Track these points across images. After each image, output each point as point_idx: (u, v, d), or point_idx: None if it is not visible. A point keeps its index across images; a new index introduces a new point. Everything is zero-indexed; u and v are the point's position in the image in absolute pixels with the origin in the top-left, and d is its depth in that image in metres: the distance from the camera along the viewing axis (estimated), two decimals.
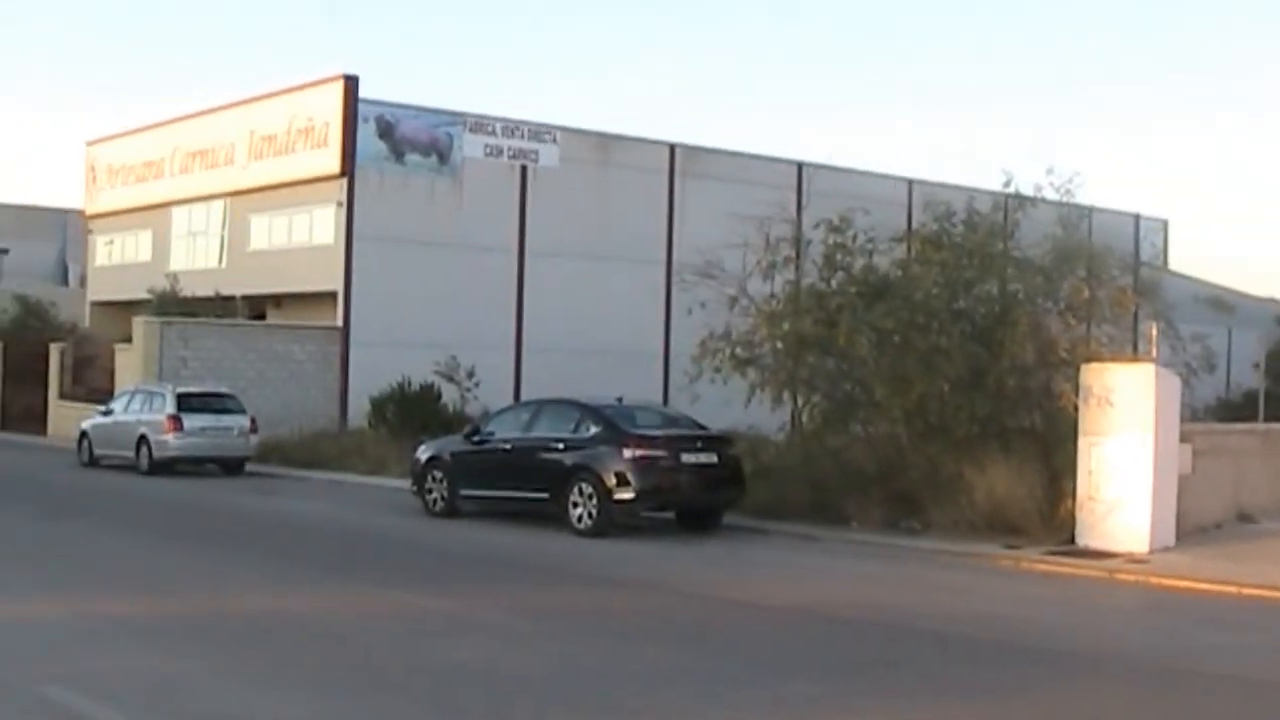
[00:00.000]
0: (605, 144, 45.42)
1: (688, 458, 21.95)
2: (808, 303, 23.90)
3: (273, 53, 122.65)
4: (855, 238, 24.28)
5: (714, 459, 22.23)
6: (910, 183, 48.70)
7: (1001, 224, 24.57)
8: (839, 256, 24.19)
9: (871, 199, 29.42)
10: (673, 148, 46.78)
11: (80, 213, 56.79)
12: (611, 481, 21.43)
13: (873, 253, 24.39)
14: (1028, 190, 24.81)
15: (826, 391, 24.44)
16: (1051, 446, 21.80)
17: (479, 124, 42.75)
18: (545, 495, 22.37)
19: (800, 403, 24.91)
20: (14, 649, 12.01)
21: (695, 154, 47.22)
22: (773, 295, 24.70)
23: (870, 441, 24.10)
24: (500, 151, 42.90)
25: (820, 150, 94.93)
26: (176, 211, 48.18)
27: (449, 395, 36.19)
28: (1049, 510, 20.95)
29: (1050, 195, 24.61)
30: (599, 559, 19.09)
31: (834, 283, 24.14)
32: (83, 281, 57.65)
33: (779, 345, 24.04)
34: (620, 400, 23.64)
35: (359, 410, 38.14)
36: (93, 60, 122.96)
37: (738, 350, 24.09)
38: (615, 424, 22.26)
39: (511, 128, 43.38)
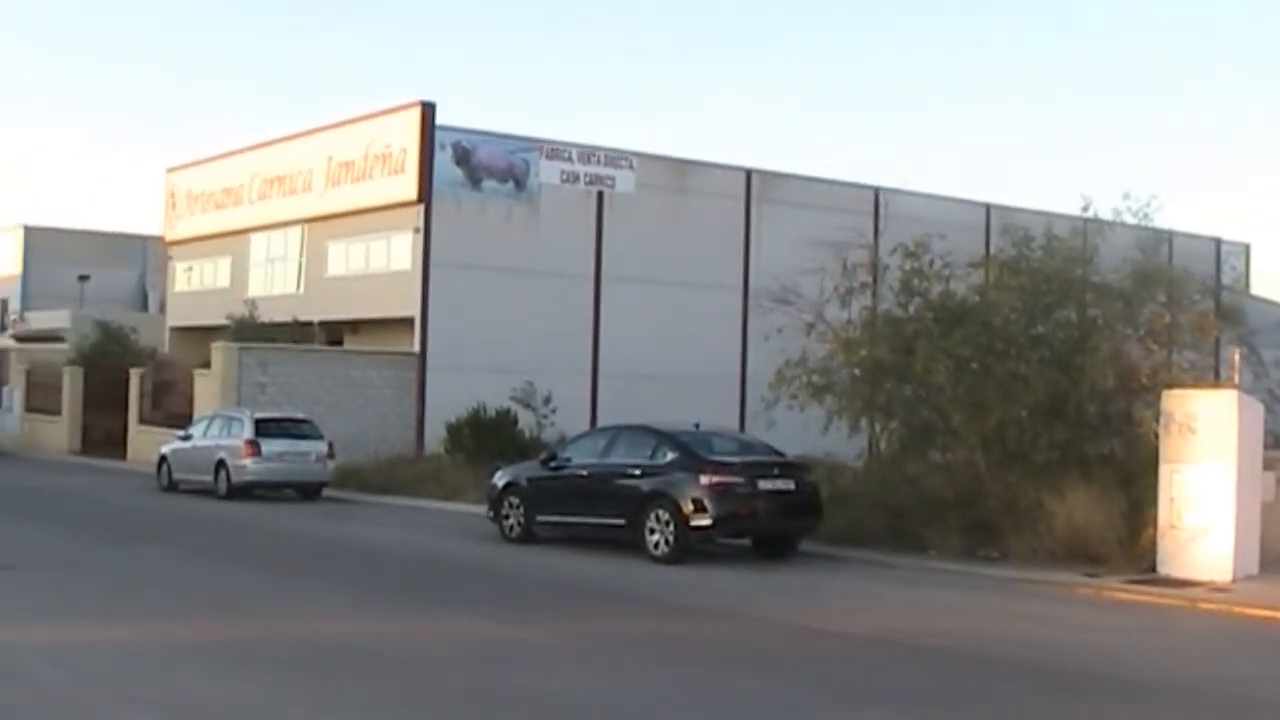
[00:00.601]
0: (681, 169, 45.49)
1: (765, 484, 21.81)
2: (884, 329, 23.84)
3: (350, 80, 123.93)
4: (932, 263, 24.19)
5: (791, 486, 22.07)
6: (987, 207, 48.45)
7: (1080, 249, 24.38)
8: (916, 282, 24.10)
9: (948, 224, 29.27)
10: (749, 173, 46.77)
11: (160, 239, 57.44)
12: (689, 508, 21.35)
13: (950, 278, 24.30)
14: (1106, 215, 24.63)
15: (904, 418, 24.33)
16: (1132, 474, 21.59)
17: (555, 150, 42.90)
18: (622, 522, 22.28)
19: (878, 429, 24.80)
20: (98, 673, 12.11)
21: (771, 179, 47.18)
22: (849, 321, 24.65)
23: (948, 468, 23.95)
24: (576, 177, 43.04)
25: (897, 175, 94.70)
26: (255, 238, 48.67)
27: (525, 421, 36.24)
28: (1129, 538, 20.73)
29: (1129, 219, 24.45)
30: (675, 586, 19.03)
31: (911, 309, 24.05)
32: (162, 307, 58.25)
33: (856, 372, 24.00)
34: (697, 426, 23.58)
35: (435, 436, 38.18)
36: (173, 89, 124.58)
37: (814, 377, 24.02)
38: (692, 450, 22.20)
39: (587, 153, 43.51)
